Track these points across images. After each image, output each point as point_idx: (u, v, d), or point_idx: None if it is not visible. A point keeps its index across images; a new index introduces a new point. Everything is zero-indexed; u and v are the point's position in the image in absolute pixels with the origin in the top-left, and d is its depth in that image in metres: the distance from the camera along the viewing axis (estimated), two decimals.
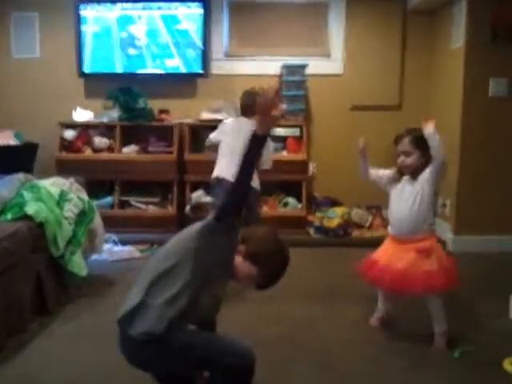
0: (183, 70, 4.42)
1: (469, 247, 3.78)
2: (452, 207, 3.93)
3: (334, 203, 4.32)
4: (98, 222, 3.10)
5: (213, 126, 4.22)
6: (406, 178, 2.41)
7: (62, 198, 2.86)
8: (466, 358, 2.25)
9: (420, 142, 2.32)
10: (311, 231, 4.10)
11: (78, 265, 2.83)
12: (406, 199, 2.37)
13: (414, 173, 2.37)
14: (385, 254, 2.43)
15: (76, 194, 3.00)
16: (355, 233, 4.15)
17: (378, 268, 2.38)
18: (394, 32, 4.46)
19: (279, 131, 4.21)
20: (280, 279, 1.74)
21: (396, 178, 2.46)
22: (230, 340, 1.69)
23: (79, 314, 2.71)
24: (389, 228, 2.51)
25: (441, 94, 4.26)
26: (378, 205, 4.44)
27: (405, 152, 2.38)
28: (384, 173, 2.55)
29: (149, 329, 1.59)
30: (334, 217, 4.07)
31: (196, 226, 1.73)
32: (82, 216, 2.96)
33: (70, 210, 2.86)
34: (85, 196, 3.10)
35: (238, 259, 1.70)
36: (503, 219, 3.83)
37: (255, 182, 3.33)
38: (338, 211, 4.12)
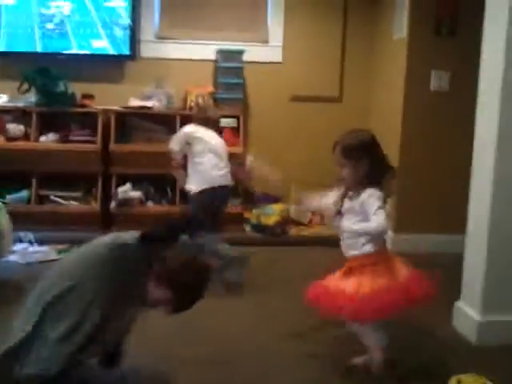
0: (111, 51, 4.05)
1: (408, 246, 3.66)
2: (392, 205, 3.79)
3: (273, 200, 4.10)
4: (4, 222, 2.73)
5: (141, 113, 3.95)
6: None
7: None
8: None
9: (349, 152, 1.99)
10: (247, 228, 3.87)
11: None
12: (345, 216, 2.07)
13: (357, 186, 2.02)
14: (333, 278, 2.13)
15: None
16: (293, 230, 3.96)
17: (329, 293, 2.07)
18: (335, 20, 4.26)
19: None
20: (198, 300, 1.49)
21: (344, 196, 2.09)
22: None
23: None
24: None
25: (382, 86, 4.11)
26: None
27: (338, 163, 2.03)
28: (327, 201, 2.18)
29: (40, 370, 1.29)
30: (271, 213, 3.85)
31: (104, 242, 1.44)
32: None
33: None
34: None
35: (151, 284, 1.43)
36: (445, 217, 3.71)
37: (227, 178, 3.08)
38: (276, 208, 3.90)
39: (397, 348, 2.24)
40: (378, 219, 1.94)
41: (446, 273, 3.19)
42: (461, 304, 2.51)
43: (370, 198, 1.96)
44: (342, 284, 2.02)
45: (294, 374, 2.10)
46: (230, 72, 3.98)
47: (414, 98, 3.64)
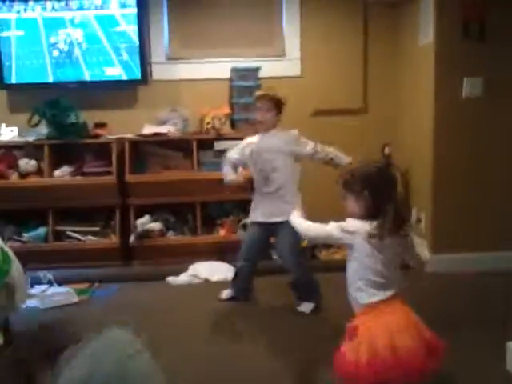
0: (123, 77, 3.88)
1: (448, 267, 3.43)
2: (427, 222, 3.55)
3: None
4: (16, 273, 2.56)
5: (157, 140, 3.77)
6: None
7: None
8: None
9: (350, 184, 1.85)
10: (274, 256, 3.65)
11: None
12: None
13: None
14: None
15: None
16: (323, 254, 3.74)
17: None
18: (355, 28, 4.01)
19: (231, 145, 3.73)
20: None
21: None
22: None
23: None
24: None
25: (409, 94, 3.86)
26: None
27: (341, 195, 1.91)
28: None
29: None
30: None
31: None
32: None
33: None
34: None
35: None
36: (484, 233, 3.47)
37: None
38: None
39: None
40: (323, 227, 1.91)
41: (492, 295, 3.01)
42: None
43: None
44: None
45: None
46: (245, 91, 3.77)
47: (445, 107, 3.39)
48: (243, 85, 3.79)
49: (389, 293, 1.80)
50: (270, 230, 2.89)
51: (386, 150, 3.82)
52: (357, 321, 1.82)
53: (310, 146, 2.86)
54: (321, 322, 2.79)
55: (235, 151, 2.96)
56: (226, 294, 3.10)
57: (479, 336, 2.55)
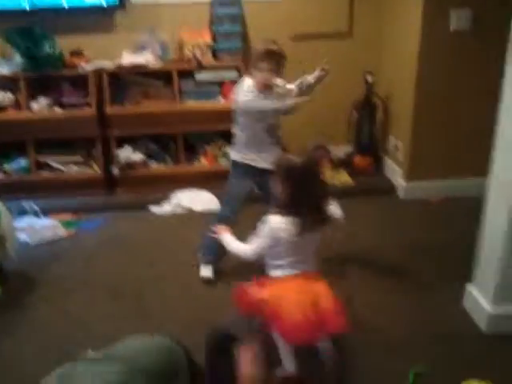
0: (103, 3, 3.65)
1: (421, 193, 3.58)
2: (405, 151, 3.63)
3: None
4: (6, 224, 2.64)
5: (136, 72, 3.69)
6: None
7: None
8: None
9: (277, 170, 1.99)
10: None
11: None
12: None
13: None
14: None
15: None
16: None
17: None
18: None
19: (213, 75, 3.68)
20: None
21: None
22: None
23: None
24: None
25: (396, 21, 3.72)
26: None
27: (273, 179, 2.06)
28: None
29: None
30: None
31: None
32: None
33: None
34: None
35: None
36: (454, 162, 3.57)
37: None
38: None
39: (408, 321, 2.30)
40: (246, 248, 2.04)
41: (462, 223, 3.19)
42: (473, 289, 2.43)
43: (263, 224, 1.97)
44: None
45: None
46: (227, 18, 3.64)
47: (432, 39, 3.27)
48: (225, 12, 3.64)
49: (297, 271, 1.99)
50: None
51: (369, 79, 3.79)
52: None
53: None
54: None
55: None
56: (206, 271, 2.81)
57: (441, 274, 2.77)
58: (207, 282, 2.73)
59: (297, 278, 1.97)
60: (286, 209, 1.93)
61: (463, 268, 2.50)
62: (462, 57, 3.33)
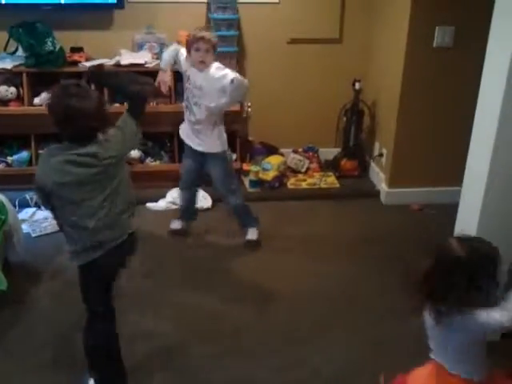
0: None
1: (401, 199, 3.79)
2: (388, 159, 3.83)
3: (270, 151, 4.12)
4: (12, 220, 2.82)
5: (134, 71, 3.80)
6: None
7: None
8: None
9: None
10: (246, 184, 3.94)
11: None
12: None
13: None
14: None
15: None
16: (291, 181, 4.05)
17: None
18: None
19: None
20: None
21: None
22: None
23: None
24: None
25: (383, 31, 3.91)
26: (314, 147, 4.32)
27: None
28: None
29: None
30: (269, 169, 3.91)
31: None
32: None
33: None
34: None
35: None
36: (434, 171, 3.77)
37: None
38: (274, 162, 3.95)
39: None
40: None
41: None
42: None
43: None
44: None
45: None
46: (224, 24, 3.78)
47: (416, 55, 3.46)
48: (222, 17, 3.78)
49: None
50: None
51: (357, 86, 3.97)
52: None
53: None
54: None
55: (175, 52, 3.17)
56: (175, 224, 3.45)
57: None
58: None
59: None
60: None
61: None
62: (443, 71, 3.52)
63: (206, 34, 2.94)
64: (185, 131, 3.19)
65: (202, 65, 2.94)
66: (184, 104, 3.14)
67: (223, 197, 3.30)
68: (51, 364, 2.35)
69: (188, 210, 3.44)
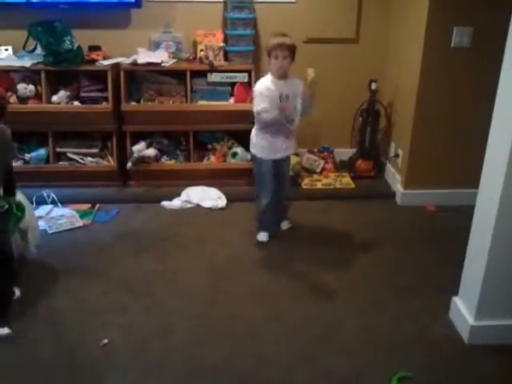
0: None
1: (417, 201, 3.76)
2: (404, 160, 3.81)
3: None
4: (28, 218, 2.83)
5: (151, 70, 3.85)
6: None
7: None
8: None
9: None
10: None
11: None
12: None
13: None
14: None
15: None
16: (306, 181, 4.04)
17: None
18: None
19: (225, 76, 3.84)
20: None
21: None
22: None
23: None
24: None
25: (400, 32, 3.88)
26: (330, 147, 4.31)
27: None
28: None
29: None
30: None
31: None
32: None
33: None
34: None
35: None
36: (450, 174, 3.72)
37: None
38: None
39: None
40: None
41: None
42: (458, 301, 2.61)
43: None
44: None
45: None
46: (240, 23, 3.79)
47: (433, 55, 3.42)
48: (238, 17, 3.79)
49: None
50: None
51: (373, 86, 3.95)
52: None
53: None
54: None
55: (260, 101, 2.95)
56: (262, 236, 3.31)
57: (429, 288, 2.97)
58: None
59: None
60: None
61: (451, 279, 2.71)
62: (461, 72, 3.48)
63: (285, 40, 2.89)
64: (265, 149, 3.08)
65: (281, 71, 2.92)
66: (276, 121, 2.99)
67: (283, 193, 3.29)
68: (62, 362, 2.38)
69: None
